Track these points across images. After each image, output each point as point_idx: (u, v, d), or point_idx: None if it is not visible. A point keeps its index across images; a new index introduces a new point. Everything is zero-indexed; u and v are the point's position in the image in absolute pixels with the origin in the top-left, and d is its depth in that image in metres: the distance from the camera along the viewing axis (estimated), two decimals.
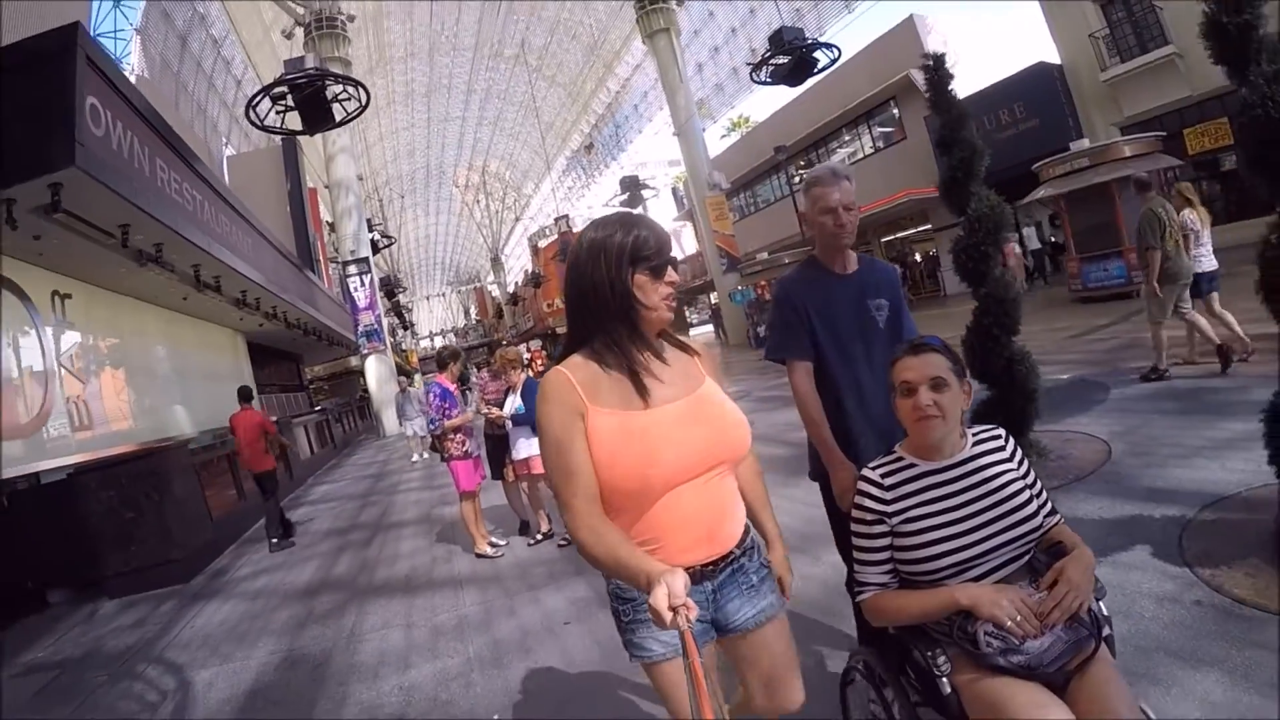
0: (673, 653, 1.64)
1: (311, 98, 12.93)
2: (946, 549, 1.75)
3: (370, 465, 15.71)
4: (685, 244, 44.93)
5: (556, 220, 47.44)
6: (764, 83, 19.94)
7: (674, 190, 49.70)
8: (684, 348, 1.83)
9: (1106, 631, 1.70)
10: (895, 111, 24.97)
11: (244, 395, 9.38)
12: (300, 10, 22.92)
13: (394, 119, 48.36)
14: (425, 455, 13.94)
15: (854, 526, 1.92)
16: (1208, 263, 6.99)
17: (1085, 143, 14.87)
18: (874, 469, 1.92)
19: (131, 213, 7.89)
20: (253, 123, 13.79)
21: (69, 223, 7.40)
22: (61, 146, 6.45)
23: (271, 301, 14.74)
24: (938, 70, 4.86)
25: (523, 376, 6.38)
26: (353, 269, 22.83)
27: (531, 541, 6.50)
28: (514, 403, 6.26)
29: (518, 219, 74.03)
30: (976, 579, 1.74)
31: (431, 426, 6.51)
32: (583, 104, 51.64)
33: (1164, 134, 16.33)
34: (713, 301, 37.88)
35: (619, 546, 1.46)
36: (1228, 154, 16.91)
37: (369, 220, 27.54)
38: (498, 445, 6.74)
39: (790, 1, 30.96)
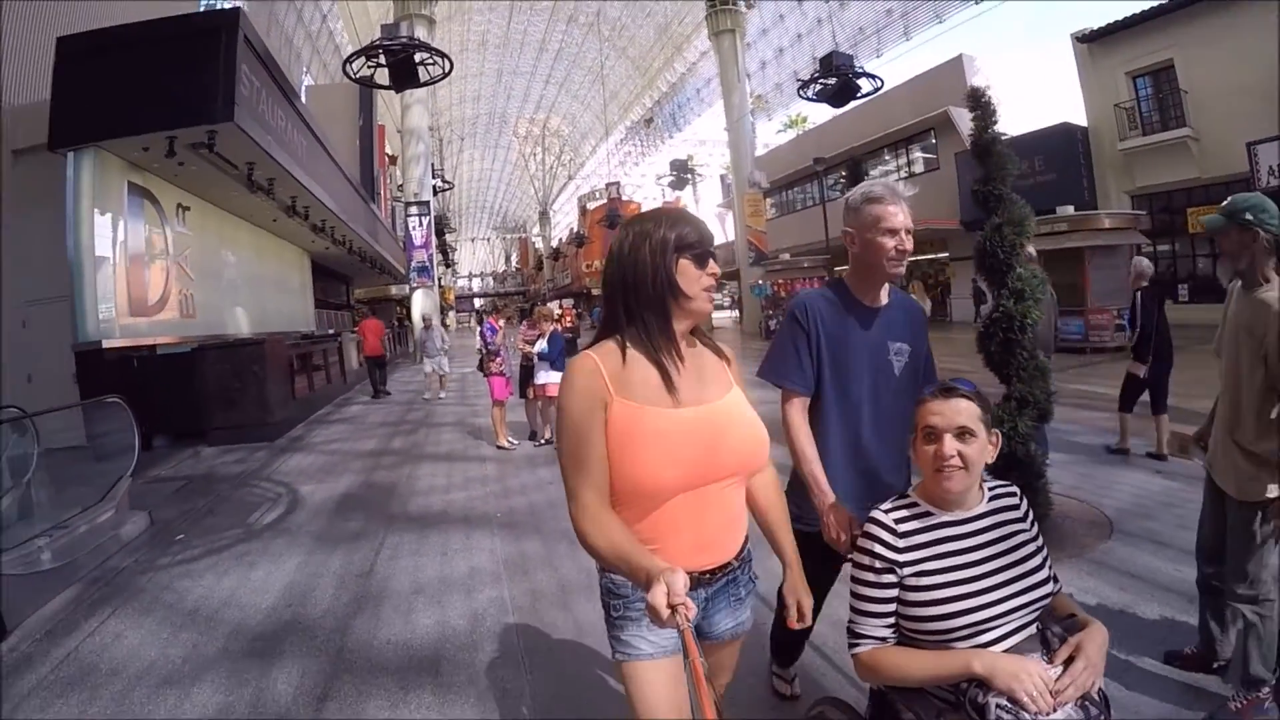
0: (661, 653, 1.63)
1: (402, 61, 14.90)
2: (961, 608, 1.65)
3: (410, 383, 17.65)
4: (727, 229, 46.32)
5: (608, 186, 48.75)
6: (810, 99, 21.62)
7: (722, 177, 51.16)
8: (717, 351, 1.80)
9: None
10: (934, 141, 26.43)
11: (372, 310, 12.05)
12: None
13: (465, 65, 49.81)
14: (443, 394, 14.68)
15: (858, 573, 1.79)
16: None
17: (1070, 209, 16.48)
18: (887, 512, 1.80)
19: (258, 153, 10.03)
20: (348, 76, 15.86)
21: (212, 158, 9.56)
22: (224, 105, 8.59)
23: (342, 230, 17.01)
24: (854, 168, 6.85)
25: (551, 328, 8.88)
26: (414, 210, 24.96)
27: (537, 444, 9.08)
28: (542, 345, 8.71)
29: (571, 177, 75.52)
30: (988, 644, 1.65)
31: (488, 350, 9.35)
32: (648, 79, 53.06)
33: (1143, 213, 18.20)
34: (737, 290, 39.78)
35: (621, 541, 1.43)
36: None
37: (433, 166, 29.61)
38: (526, 373, 9.27)
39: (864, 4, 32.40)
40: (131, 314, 9.80)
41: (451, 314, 49.44)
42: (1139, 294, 6.75)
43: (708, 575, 1.66)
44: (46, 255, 9.62)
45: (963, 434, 1.70)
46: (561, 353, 8.64)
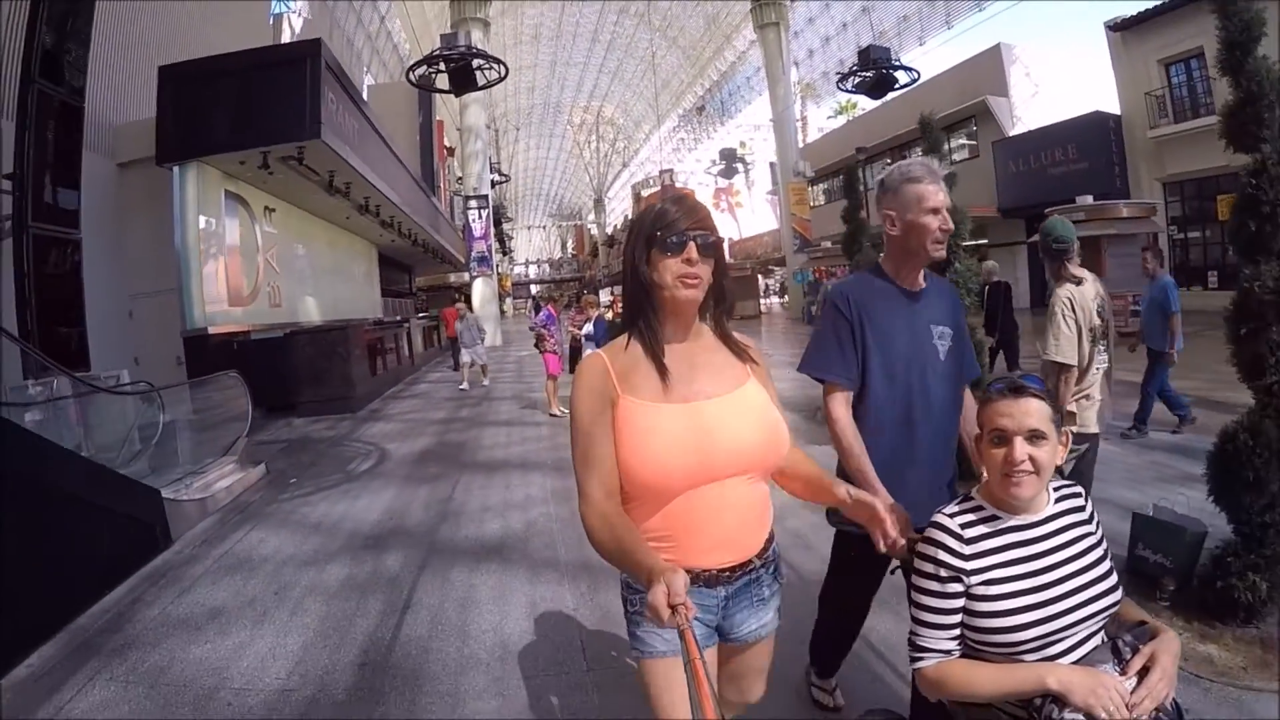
0: (674, 652, 1.60)
1: (461, 68, 16.12)
2: (1031, 619, 1.54)
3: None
4: (779, 215, 46.85)
5: (661, 173, 49.57)
6: (849, 92, 22.27)
7: (771, 164, 51.63)
8: (737, 347, 1.73)
9: None
10: (975, 129, 26.77)
11: (451, 299, 13.88)
12: None
13: (519, 57, 50.83)
14: (485, 381, 14.75)
15: (921, 582, 1.66)
16: None
17: (1089, 199, 16.91)
18: (951, 516, 1.67)
19: (339, 162, 11.42)
20: (410, 82, 17.24)
21: (300, 169, 10.96)
22: (312, 124, 9.94)
23: (407, 224, 18.57)
24: (849, 175, 7.85)
25: (596, 313, 10.31)
26: (474, 203, 26.51)
27: None
28: (588, 328, 10.10)
29: (625, 165, 76.57)
30: (1057, 656, 1.55)
31: (544, 329, 10.64)
32: (699, 68, 53.89)
33: (1156, 203, 18.43)
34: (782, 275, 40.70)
35: (626, 539, 1.42)
36: None
37: (490, 160, 31.02)
38: (575, 352, 10.56)
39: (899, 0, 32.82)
40: (229, 304, 11.33)
41: (509, 300, 51.21)
42: (986, 288, 8.98)
43: (726, 573, 1.62)
44: (147, 254, 11.31)
45: (1034, 437, 1.57)
46: (605, 335, 9.77)
